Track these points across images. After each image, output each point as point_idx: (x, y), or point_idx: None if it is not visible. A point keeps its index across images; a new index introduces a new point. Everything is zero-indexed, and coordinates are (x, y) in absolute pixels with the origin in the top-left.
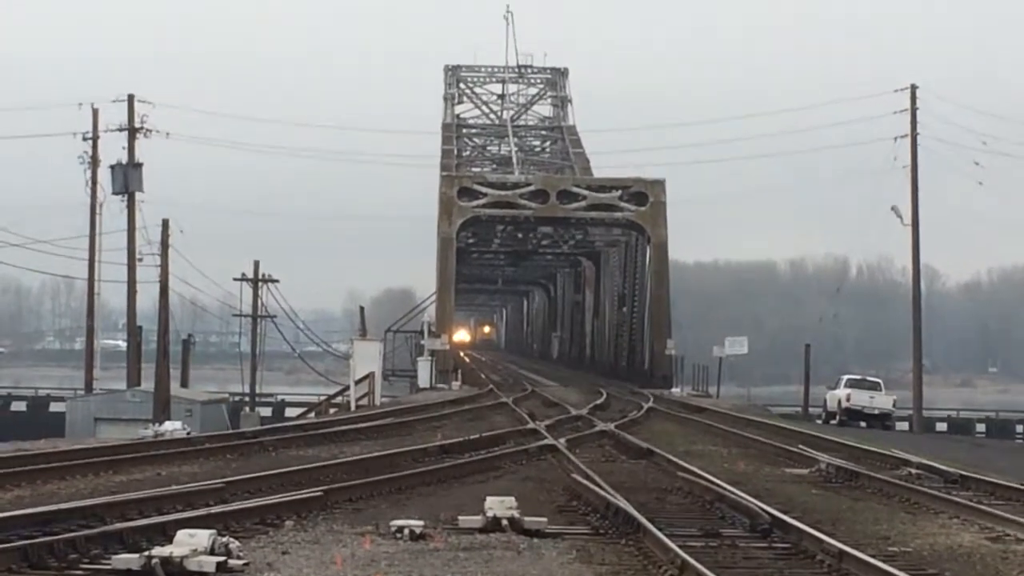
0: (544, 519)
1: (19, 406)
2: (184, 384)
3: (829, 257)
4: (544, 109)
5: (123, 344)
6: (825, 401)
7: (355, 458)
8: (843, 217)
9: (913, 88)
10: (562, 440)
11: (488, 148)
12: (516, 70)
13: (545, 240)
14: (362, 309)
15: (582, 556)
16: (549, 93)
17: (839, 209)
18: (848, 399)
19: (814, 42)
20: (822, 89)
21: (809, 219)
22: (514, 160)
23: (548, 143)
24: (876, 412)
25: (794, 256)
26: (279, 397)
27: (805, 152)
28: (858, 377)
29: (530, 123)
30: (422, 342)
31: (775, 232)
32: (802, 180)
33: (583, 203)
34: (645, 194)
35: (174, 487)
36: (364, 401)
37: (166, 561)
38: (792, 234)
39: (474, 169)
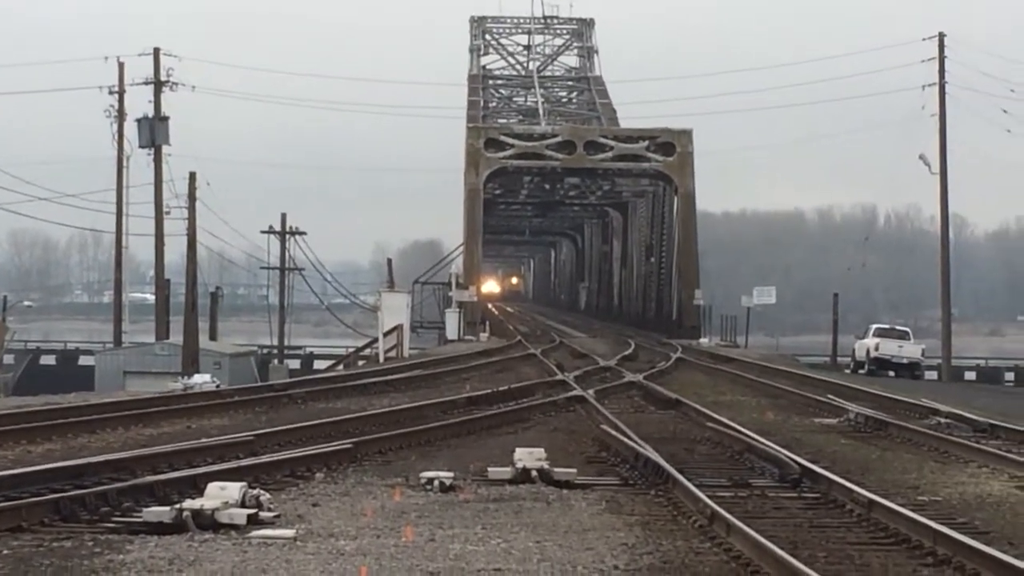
0: (574, 470)
1: (48, 360)
2: (212, 337)
3: (857, 207)
4: (570, 60)
5: (151, 297)
6: (854, 350)
7: (384, 410)
8: (871, 166)
9: (941, 36)
10: (591, 391)
11: (514, 99)
12: (542, 20)
13: (572, 191)
14: (389, 261)
15: (612, 507)
16: (575, 44)
17: (867, 159)
18: (877, 348)
19: None
20: (851, 39)
21: (837, 169)
22: (540, 111)
23: (575, 94)
24: (905, 361)
25: (822, 206)
26: (307, 349)
27: (833, 102)
28: (887, 326)
29: (556, 74)
30: (450, 294)
31: (803, 182)
32: (830, 130)
33: (610, 154)
34: (672, 144)
35: (204, 440)
36: (392, 353)
37: (197, 513)
38: (820, 184)
39: (500, 120)
